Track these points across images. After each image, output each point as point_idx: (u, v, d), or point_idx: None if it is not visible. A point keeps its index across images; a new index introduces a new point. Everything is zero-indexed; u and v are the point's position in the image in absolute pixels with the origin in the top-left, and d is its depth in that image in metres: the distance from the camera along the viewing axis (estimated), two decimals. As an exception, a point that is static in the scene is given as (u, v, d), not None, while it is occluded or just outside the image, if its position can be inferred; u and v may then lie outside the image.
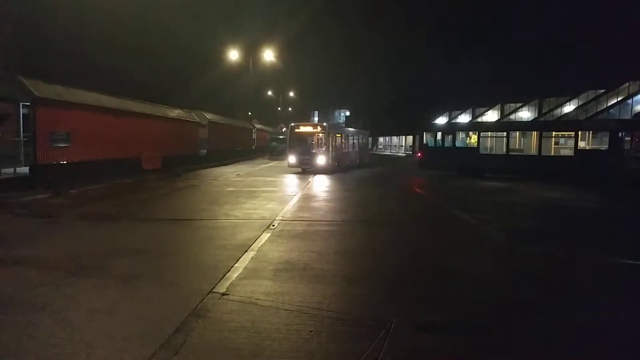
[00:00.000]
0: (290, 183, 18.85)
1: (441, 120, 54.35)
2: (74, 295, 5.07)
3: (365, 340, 3.94)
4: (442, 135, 23.72)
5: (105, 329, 4.13)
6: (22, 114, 16.30)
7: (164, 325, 4.20)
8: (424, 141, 24.63)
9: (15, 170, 14.85)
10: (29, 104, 15.39)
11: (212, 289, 5.24)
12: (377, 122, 69.80)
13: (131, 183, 17.33)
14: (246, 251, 7.03)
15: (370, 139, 40.15)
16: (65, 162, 16.11)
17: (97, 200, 13.06)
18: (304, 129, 24.64)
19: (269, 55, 38.20)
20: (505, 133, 21.66)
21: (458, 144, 23.29)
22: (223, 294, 5.07)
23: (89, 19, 28.18)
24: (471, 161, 21.69)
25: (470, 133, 23.83)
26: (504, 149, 21.38)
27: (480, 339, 4.14)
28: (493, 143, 22.73)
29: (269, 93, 62.22)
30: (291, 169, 23.98)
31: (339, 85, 78.62)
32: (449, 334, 4.24)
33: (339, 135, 26.35)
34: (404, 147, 61.81)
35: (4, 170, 14.32)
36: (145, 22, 33.85)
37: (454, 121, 53.92)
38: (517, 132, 22.76)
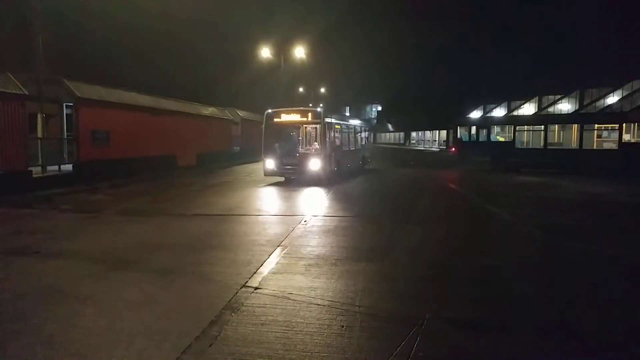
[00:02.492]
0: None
1: (475, 114, 53.06)
2: (114, 287, 5.27)
3: (397, 337, 3.91)
4: (477, 130, 23.18)
5: (144, 320, 4.28)
6: (66, 114, 17.07)
7: (199, 317, 4.32)
8: (458, 135, 24.14)
9: (59, 167, 15.58)
10: (72, 104, 16.08)
11: (245, 283, 5.33)
12: (409, 117, 68.89)
13: (167, 180, 17.83)
14: (278, 246, 7.11)
15: (371, 134, 29.75)
16: (104, 160, 16.73)
17: (134, 196, 13.51)
18: (286, 117, 16.39)
19: (300, 51, 38.30)
20: (543, 126, 20.95)
21: (493, 138, 22.70)
22: (256, 288, 5.15)
23: (125, 20, 29.05)
24: (507, 156, 21.10)
25: (506, 126, 23.16)
26: (542, 143, 20.68)
27: (517, 339, 4.03)
28: (530, 137, 22.03)
29: (300, 90, 62.51)
30: (267, 179, 16.67)
31: (371, 80, 78.04)
32: (484, 332, 4.15)
33: (339, 127, 18.41)
34: (437, 141, 60.72)
35: (50, 168, 15.03)
36: (180, 23, 34.61)
37: (488, 115, 52.52)
38: (556, 125, 21.98)
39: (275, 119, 16.44)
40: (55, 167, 15.43)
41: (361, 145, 22.47)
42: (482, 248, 7.40)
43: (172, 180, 17.62)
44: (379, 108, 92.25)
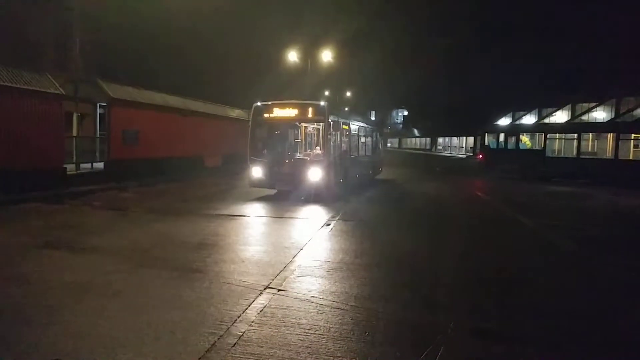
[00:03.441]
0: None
1: (504, 122, 51.99)
2: (141, 283, 5.38)
3: (421, 345, 3.85)
4: (505, 137, 22.71)
5: (170, 317, 4.35)
6: (99, 113, 17.62)
7: (223, 316, 4.36)
8: (486, 143, 23.70)
9: (92, 165, 16.06)
10: (105, 104, 16.58)
11: (269, 284, 5.36)
12: (436, 123, 68.15)
13: (193, 180, 18.14)
14: (302, 248, 7.12)
15: (383, 138, 25.80)
16: (134, 159, 17.16)
17: (161, 195, 13.79)
18: (280, 112, 12.87)
19: (326, 55, 38.45)
20: (576, 135, 20.35)
21: (522, 145, 22.19)
22: (279, 290, 5.17)
23: (156, 21, 29.72)
24: (537, 164, 20.58)
25: (537, 134, 22.61)
26: (575, 152, 20.08)
27: (544, 354, 3.90)
28: (562, 145, 21.44)
29: (326, 93, 62.69)
30: (253, 192, 13.39)
31: (397, 85, 77.52)
32: (509, 343, 4.04)
33: (347, 127, 14.65)
34: (464, 148, 59.89)
35: (83, 165, 15.52)
36: (211, 25, 35.22)
37: (517, 122, 51.40)
38: (590, 134, 21.31)
39: (266, 115, 12.88)
40: (88, 165, 15.92)
41: (372, 150, 19.17)
42: (510, 258, 7.22)
43: (198, 181, 17.91)
44: (405, 113, 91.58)
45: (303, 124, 14.63)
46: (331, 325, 4.22)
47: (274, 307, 4.64)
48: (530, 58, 50.57)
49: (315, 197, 12.27)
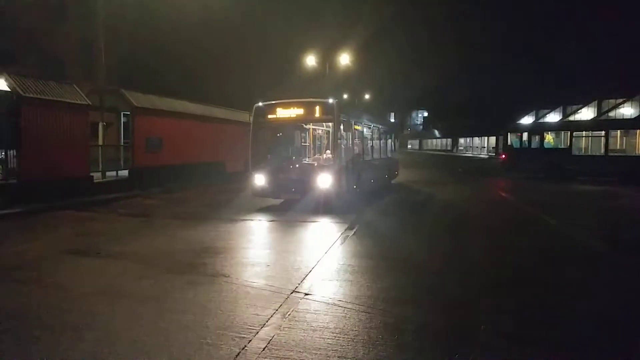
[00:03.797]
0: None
1: (527, 120, 51.05)
2: (170, 289, 5.47)
3: (450, 349, 3.80)
4: (529, 136, 22.27)
5: (200, 321, 4.40)
6: (123, 122, 18.02)
7: (252, 321, 4.39)
8: (509, 142, 23.29)
9: (117, 173, 16.43)
10: (128, 113, 16.95)
11: (295, 288, 5.38)
12: (457, 123, 67.34)
13: (216, 185, 18.36)
14: (326, 252, 7.12)
15: (397, 139, 23.35)
16: (157, 166, 17.47)
17: (185, 201, 14.00)
18: (284, 113, 11.72)
19: (344, 58, 38.48)
20: (603, 132, 19.83)
21: (546, 144, 21.73)
22: (306, 294, 5.18)
23: (174, 29, 30.21)
24: (562, 163, 20.11)
25: (562, 133, 22.11)
26: (602, 150, 19.56)
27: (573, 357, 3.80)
28: (588, 143, 20.92)
29: (345, 96, 62.69)
30: (257, 202, 12.32)
31: (417, 85, 76.95)
32: (539, 347, 3.95)
33: (360, 128, 13.59)
34: (486, 148, 59.02)
35: (108, 173, 15.89)
36: (227, 33, 35.68)
37: (541, 120, 50.37)
38: (619, 131, 20.72)
39: (269, 116, 11.80)
40: (113, 173, 16.29)
41: (387, 152, 17.86)
42: (538, 261, 7.07)
43: (221, 186, 18.12)
44: (425, 114, 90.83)
45: (311, 126, 13.64)
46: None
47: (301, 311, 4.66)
48: (553, 55, 49.57)
49: (325, 206, 10.98)
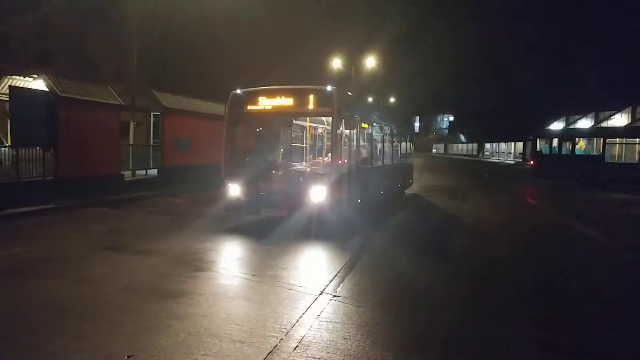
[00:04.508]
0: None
1: (557, 126, 49.81)
2: (199, 287, 5.57)
3: (484, 356, 3.76)
4: (559, 142, 21.73)
5: (230, 322, 4.47)
6: (152, 122, 18.44)
7: (283, 320, 4.44)
8: (538, 148, 22.78)
9: (146, 172, 16.82)
10: (158, 113, 17.34)
11: (324, 289, 5.40)
12: (484, 128, 66.27)
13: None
14: (355, 255, 7.11)
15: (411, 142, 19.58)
16: (185, 166, 17.78)
17: (212, 201, 14.14)
18: (267, 103, 9.21)
19: (370, 61, 38.44)
20: (638, 139, 19.21)
21: (578, 151, 21.17)
22: (334, 296, 5.20)
23: (202, 30, 30.68)
24: (593, 170, 19.55)
25: (594, 139, 21.50)
26: (637, 157, 18.94)
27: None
28: (622, 150, 20.28)
29: (369, 99, 62.53)
30: (230, 219, 10.02)
31: (442, 89, 76.10)
32: (578, 357, 3.86)
33: (368, 126, 10.93)
34: (512, 154, 57.85)
35: (138, 172, 16.28)
36: (252, 34, 36.06)
37: (572, 126, 49.06)
38: (655, 138, 20.04)
39: (249, 107, 9.29)
40: (143, 172, 16.67)
41: (401, 156, 14.89)
42: (570, 269, 6.91)
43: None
44: (451, 118, 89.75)
45: (308, 122, 11.27)
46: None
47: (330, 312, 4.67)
48: (585, 59, 48.25)
49: (318, 227, 8.39)
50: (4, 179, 11.09)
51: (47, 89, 12.09)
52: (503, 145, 62.81)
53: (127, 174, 15.46)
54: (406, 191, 15.88)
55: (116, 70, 23.88)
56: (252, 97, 9.22)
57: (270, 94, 9.12)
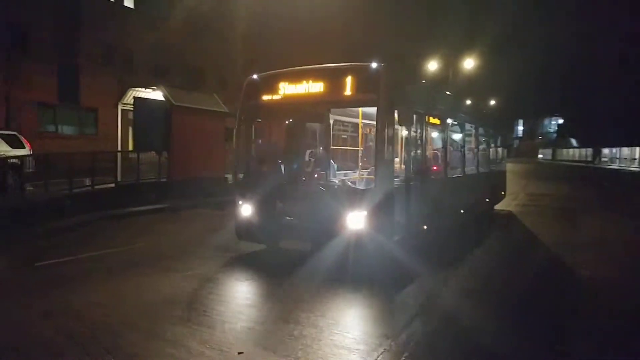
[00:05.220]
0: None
1: (696, 127, 42.99)
2: (302, 294, 5.59)
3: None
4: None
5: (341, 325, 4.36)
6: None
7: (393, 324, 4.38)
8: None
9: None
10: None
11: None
12: (600, 131, 59.64)
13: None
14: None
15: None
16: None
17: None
18: (290, 90, 6.74)
19: (469, 63, 36.69)
20: None
21: None
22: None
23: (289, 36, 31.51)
24: None
25: None
26: None
27: None
28: None
29: (467, 102, 59.56)
30: (241, 249, 7.53)
31: (550, 90, 69.91)
32: None
33: (439, 122, 8.06)
34: (637, 159, 51.13)
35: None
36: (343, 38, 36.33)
37: None
38: None
39: (267, 96, 7.04)
40: (244, 175, 17.55)
41: (488, 163, 11.48)
42: None
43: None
44: (560, 121, 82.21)
45: (360, 117, 8.17)
46: None
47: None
48: None
49: (356, 269, 5.79)
50: (128, 180, 12.38)
51: (164, 99, 13.26)
52: (625, 151, 55.82)
53: (230, 177, 16.37)
54: (496, 206, 12.31)
55: (221, 80, 25.52)
56: (272, 83, 6.94)
57: (294, 77, 6.77)
